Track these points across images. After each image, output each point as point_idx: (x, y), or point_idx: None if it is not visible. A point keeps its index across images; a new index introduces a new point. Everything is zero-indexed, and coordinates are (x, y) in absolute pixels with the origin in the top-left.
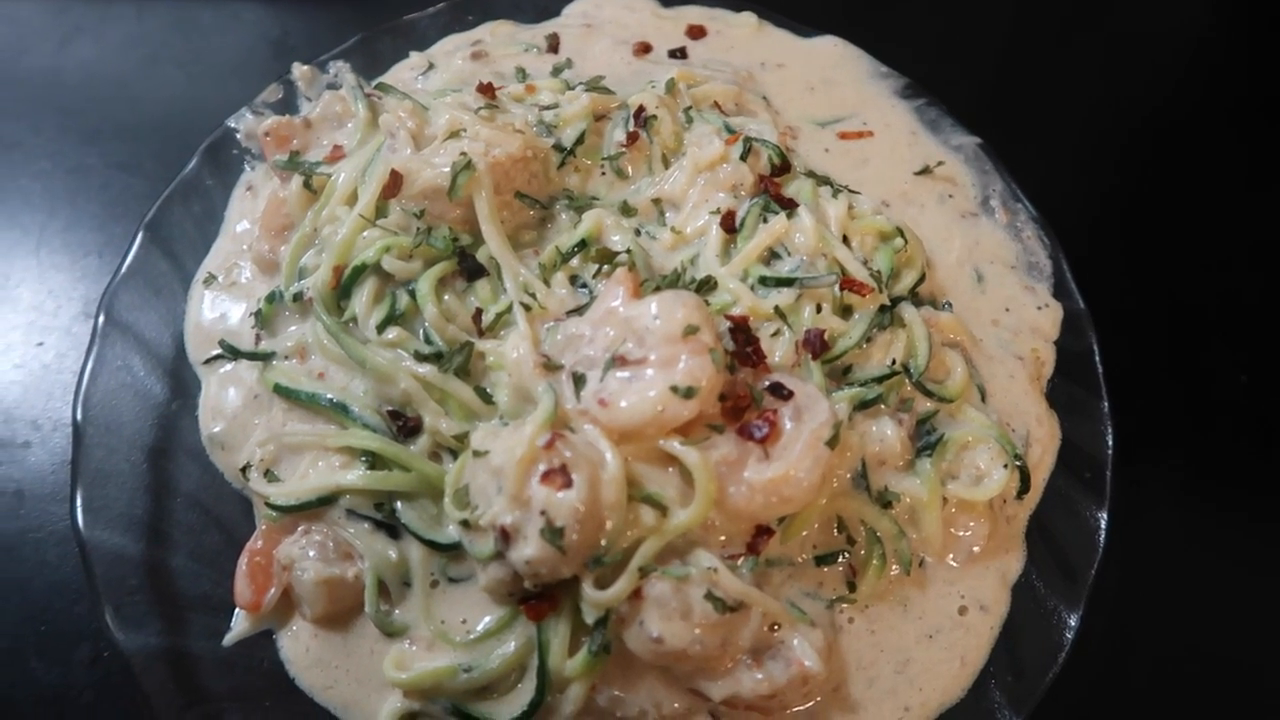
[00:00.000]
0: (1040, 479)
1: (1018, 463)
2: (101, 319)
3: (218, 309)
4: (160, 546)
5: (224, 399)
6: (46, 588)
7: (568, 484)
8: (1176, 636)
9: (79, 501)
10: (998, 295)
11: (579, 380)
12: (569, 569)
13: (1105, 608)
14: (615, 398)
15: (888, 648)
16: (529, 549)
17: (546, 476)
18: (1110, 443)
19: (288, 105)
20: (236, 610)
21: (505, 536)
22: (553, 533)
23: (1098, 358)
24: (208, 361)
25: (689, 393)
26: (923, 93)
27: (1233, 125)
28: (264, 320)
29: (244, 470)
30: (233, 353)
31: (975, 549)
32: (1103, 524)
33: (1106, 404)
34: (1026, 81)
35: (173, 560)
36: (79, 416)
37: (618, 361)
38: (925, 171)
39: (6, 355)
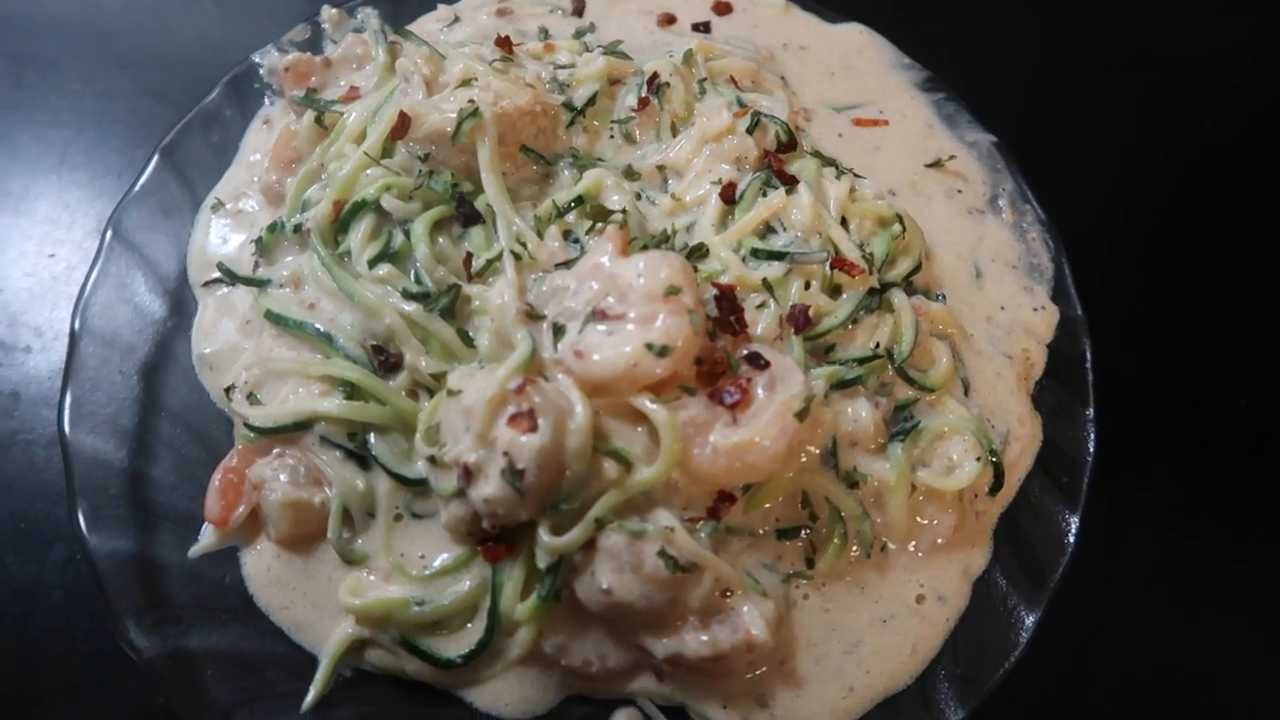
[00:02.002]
0: (1016, 478)
1: (992, 458)
2: (109, 234)
3: (222, 235)
4: (142, 457)
5: (218, 322)
6: (31, 488)
7: (533, 428)
8: (1135, 649)
9: (67, 405)
10: (995, 293)
11: (559, 331)
12: (526, 512)
13: (1067, 613)
14: (591, 350)
15: (840, 627)
16: (489, 488)
17: (514, 419)
18: (1091, 450)
19: (313, 46)
20: (205, 524)
21: (467, 474)
22: (513, 474)
23: (1089, 364)
24: (207, 284)
25: (663, 351)
26: (943, 87)
27: (1273, 148)
28: (264, 248)
29: (228, 391)
30: (230, 277)
31: (939, 540)
32: (1073, 529)
33: (1092, 411)
34: (1053, 85)
35: (152, 471)
36: (76, 325)
37: (598, 315)
38: (936, 164)
39: (19, 263)
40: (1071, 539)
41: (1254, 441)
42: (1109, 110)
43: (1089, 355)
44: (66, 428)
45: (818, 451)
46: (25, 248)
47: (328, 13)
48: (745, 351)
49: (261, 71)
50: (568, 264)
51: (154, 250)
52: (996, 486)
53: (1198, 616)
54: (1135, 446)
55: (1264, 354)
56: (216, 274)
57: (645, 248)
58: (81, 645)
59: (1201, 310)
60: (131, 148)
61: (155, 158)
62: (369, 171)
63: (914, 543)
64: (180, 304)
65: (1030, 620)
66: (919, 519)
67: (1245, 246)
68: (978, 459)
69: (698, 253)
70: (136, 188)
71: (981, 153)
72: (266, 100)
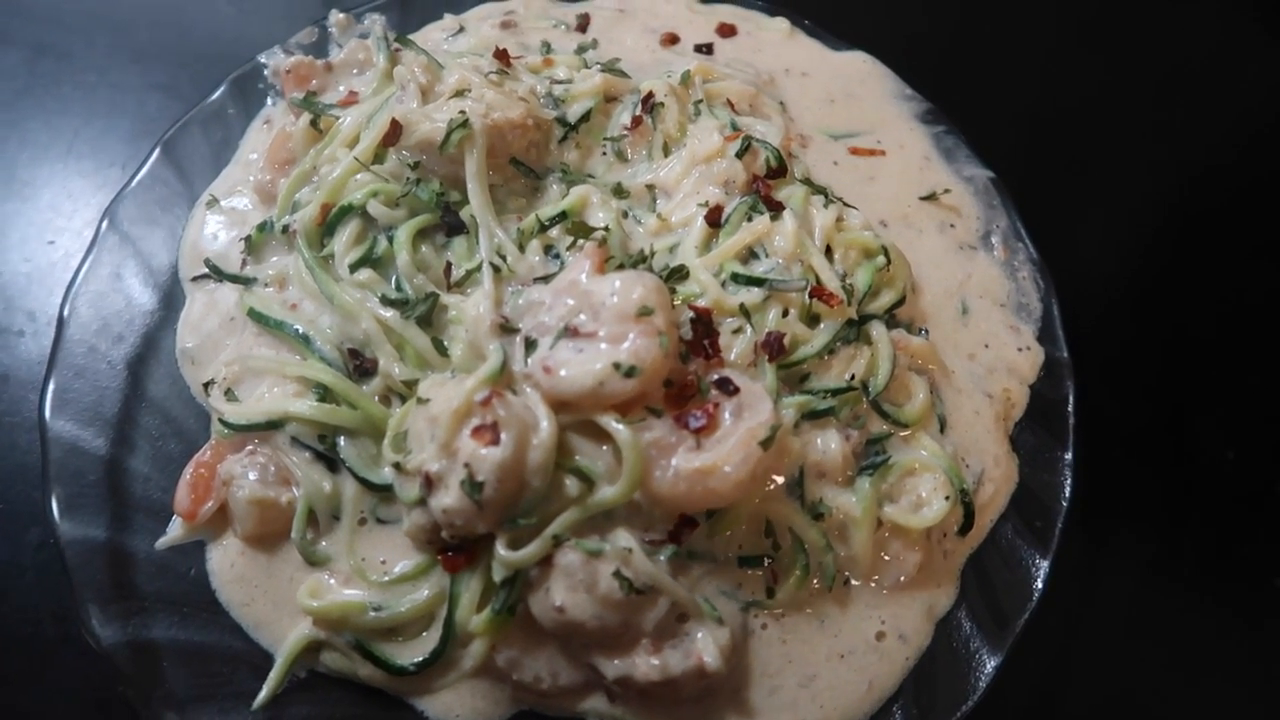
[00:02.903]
0: (987, 519)
1: (963, 497)
2: (104, 224)
3: (214, 231)
4: (121, 446)
5: (203, 317)
6: (11, 470)
7: (495, 441)
8: (1100, 699)
9: (50, 391)
10: (979, 330)
11: (530, 345)
12: (484, 524)
13: (1031, 659)
14: (559, 366)
15: (796, 659)
16: (448, 498)
17: (477, 431)
18: (1067, 495)
19: (320, 49)
20: (174, 517)
21: (429, 483)
22: (473, 486)
23: (1071, 407)
24: (195, 279)
25: (630, 372)
26: (944, 120)
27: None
28: (252, 247)
29: (206, 386)
30: (217, 273)
31: (904, 577)
32: (1043, 574)
33: (1070, 455)
34: (1058, 125)
35: (130, 461)
36: (65, 312)
37: (570, 332)
38: (931, 197)
39: (20, 248)
40: (1040, 584)
41: (1239, 494)
42: (1114, 152)
43: (1071, 398)
44: (47, 413)
45: (783, 481)
46: (27, 233)
47: (335, 17)
48: (716, 376)
49: (266, 72)
50: (546, 279)
51: (148, 243)
52: (966, 526)
53: (1170, 668)
54: (1115, 494)
55: (1254, 408)
56: (205, 270)
57: (622, 267)
58: (49, 629)
59: (1193, 360)
60: (137, 140)
61: (155, 152)
62: (358, 176)
63: (877, 578)
64: (170, 298)
65: (992, 664)
66: (884, 555)
67: (1243, 298)
68: (947, 497)
69: (678, 274)
70: (135, 180)
71: (978, 188)
72: (269, 101)
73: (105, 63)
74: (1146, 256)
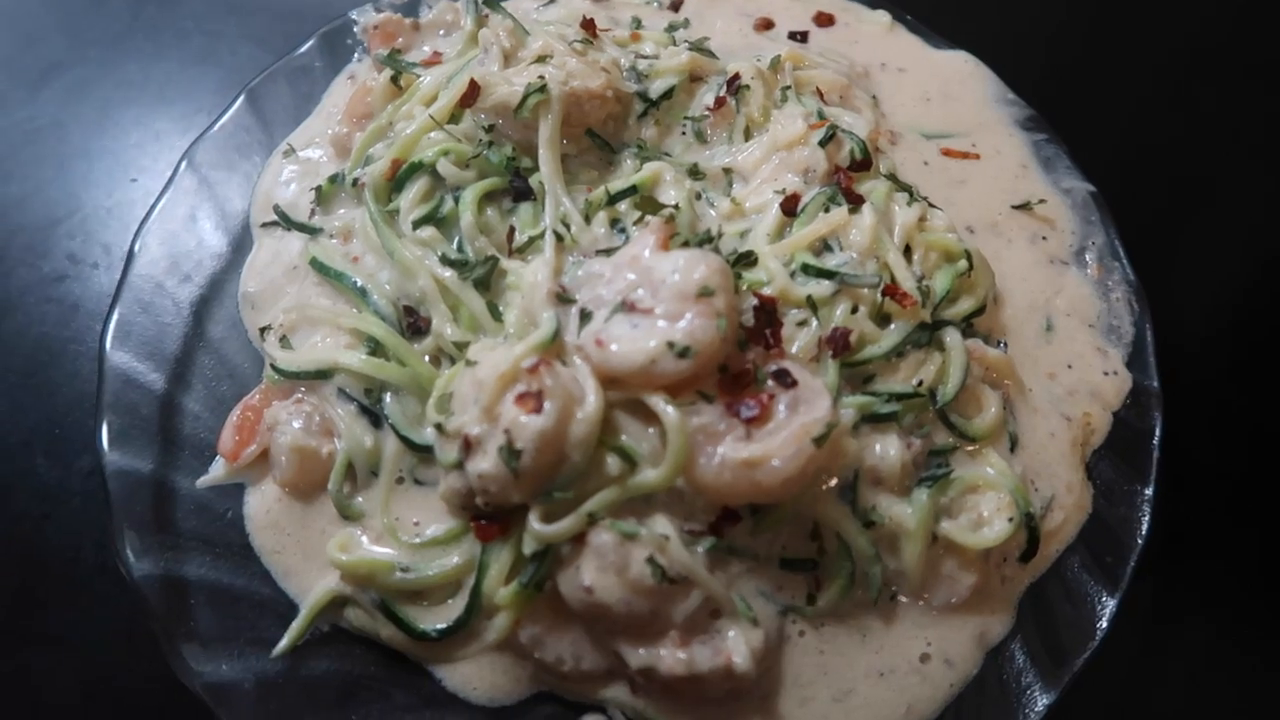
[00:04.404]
0: (1052, 548)
1: (1028, 521)
2: (183, 165)
3: (287, 180)
4: (176, 384)
5: (268, 263)
6: (72, 396)
7: (538, 409)
8: None
9: (113, 322)
10: (1064, 349)
11: (585, 317)
12: (518, 494)
13: (1087, 703)
14: (611, 340)
15: (832, 672)
16: (485, 463)
17: (521, 398)
18: (1144, 533)
19: (411, 9)
20: (217, 457)
21: (467, 446)
22: (510, 453)
23: (1156, 441)
24: (264, 225)
25: (684, 352)
26: (1046, 128)
27: None
28: (322, 198)
29: (263, 331)
30: (285, 220)
31: (956, 599)
32: (1109, 612)
33: (1151, 491)
34: (1170, 143)
35: (184, 399)
36: (136, 247)
37: (626, 306)
38: (1024, 207)
39: (104, 184)
40: (1105, 623)
41: None
42: (1223, 180)
43: (1158, 432)
44: (108, 344)
45: (836, 483)
46: (112, 170)
47: None
48: (774, 367)
49: (355, 28)
50: (608, 252)
51: (225, 187)
52: (1029, 553)
53: None
54: (1196, 539)
55: None
56: (274, 217)
57: (687, 245)
58: (89, 555)
59: None
60: (226, 88)
61: (239, 99)
62: (432, 135)
63: (927, 597)
64: (240, 242)
65: (1044, 702)
66: (936, 572)
67: None
68: (1010, 519)
69: (745, 260)
70: (217, 125)
71: (1076, 201)
72: (356, 57)
73: (204, 11)
74: (1253, 292)
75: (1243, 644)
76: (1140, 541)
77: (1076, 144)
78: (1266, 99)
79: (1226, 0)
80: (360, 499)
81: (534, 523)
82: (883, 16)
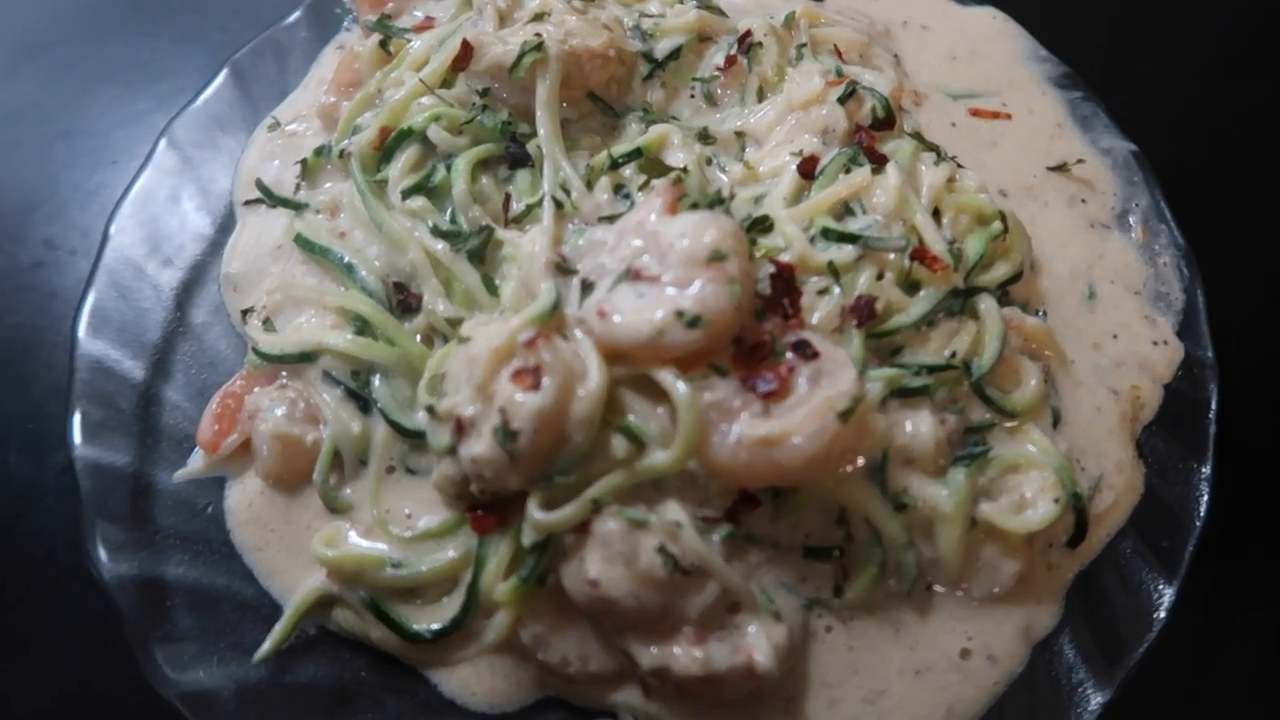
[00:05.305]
0: (1103, 532)
1: (1075, 503)
2: (162, 143)
3: (273, 155)
4: (156, 373)
5: (252, 243)
6: (48, 389)
7: (536, 386)
8: None
9: (86, 309)
10: (1108, 318)
11: (588, 288)
12: (516, 479)
13: (1145, 702)
14: (615, 311)
15: (864, 670)
16: (478, 446)
17: (517, 375)
18: (1202, 513)
19: None
20: (196, 448)
21: (460, 428)
22: (506, 434)
23: (1213, 415)
24: (248, 203)
25: (694, 322)
26: (1082, 85)
27: None
28: (308, 171)
29: (245, 313)
30: (268, 195)
31: (998, 589)
32: (1167, 602)
33: (1209, 469)
34: (1215, 96)
35: (164, 389)
36: (110, 229)
37: (631, 275)
38: (1061, 168)
39: (84, 166)
40: (1163, 613)
41: None
42: (1277, 137)
43: (1214, 405)
44: (81, 332)
45: (864, 464)
46: (93, 151)
47: None
48: (794, 338)
49: None
50: (612, 219)
51: (210, 167)
52: (1077, 537)
53: None
54: (1260, 520)
55: None
56: (259, 194)
57: (696, 207)
58: (63, 556)
59: None
60: (213, 65)
61: (223, 73)
62: (422, 100)
63: (966, 587)
64: (227, 223)
65: (1097, 701)
66: (975, 560)
67: None
68: (1056, 500)
69: (760, 225)
70: (198, 101)
71: (1117, 162)
72: (345, 25)
73: None
74: None
75: None
76: (1199, 523)
77: (1115, 101)
78: None
79: None
80: (348, 490)
81: (533, 511)
82: None
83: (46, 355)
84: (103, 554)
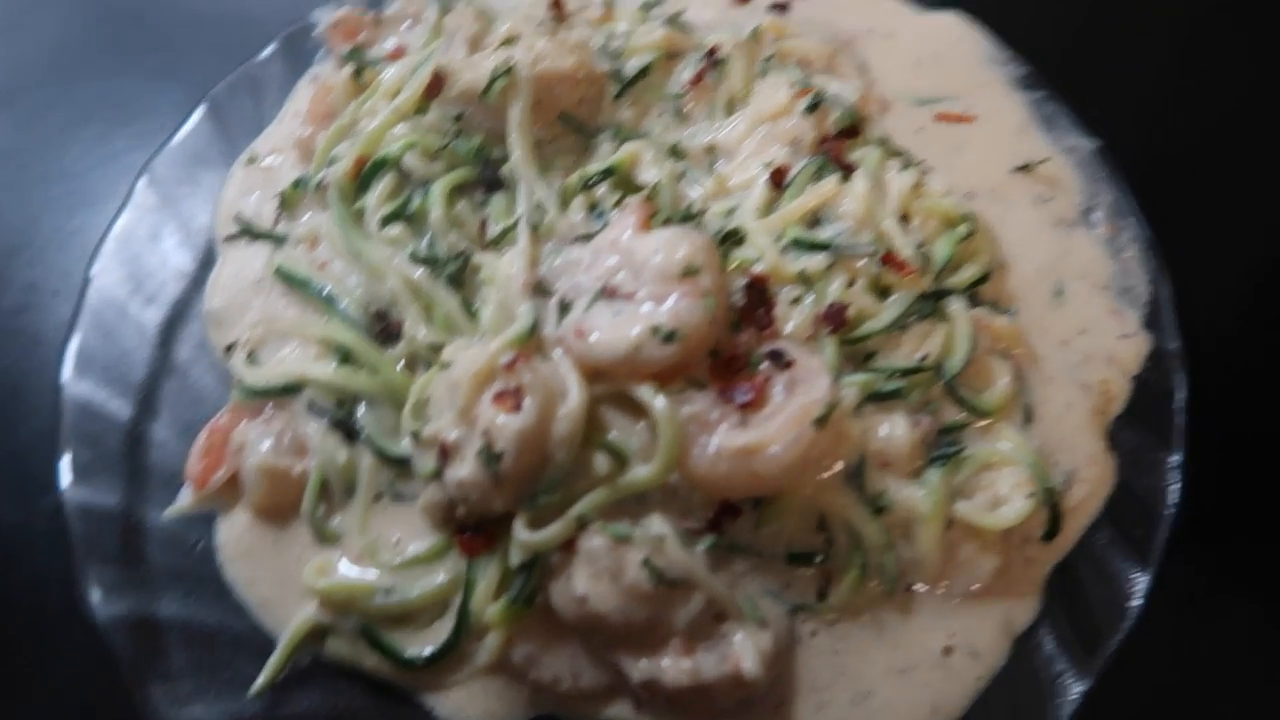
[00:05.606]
0: (1077, 524)
1: (1048, 498)
2: (141, 182)
3: (252, 189)
4: (143, 411)
5: (234, 277)
6: (35, 432)
7: (517, 408)
8: None
9: (72, 352)
10: (1076, 314)
11: (565, 307)
12: (501, 501)
13: (1124, 688)
14: (592, 329)
15: (850, 673)
16: (463, 469)
17: (499, 397)
18: (1173, 502)
19: (376, 4)
20: (184, 485)
21: (444, 453)
22: (490, 456)
23: (1180, 405)
24: (228, 238)
25: (670, 336)
26: (1044, 85)
27: None
28: (287, 204)
29: (229, 348)
30: (247, 230)
31: (977, 585)
32: (1141, 590)
33: (1179, 458)
34: (1178, 92)
35: (151, 427)
36: (92, 271)
37: (607, 293)
38: (1025, 168)
39: (64, 208)
40: (1138, 601)
41: None
42: (1240, 126)
43: (1182, 394)
44: (67, 374)
45: (842, 468)
46: (72, 192)
47: None
48: (769, 348)
49: (317, 28)
50: (586, 237)
51: (189, 203)
52: (1052, 531)
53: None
54: (1229, 507)
55: None
56: (238, 228)
57: (669, 223)
58: (55, 599)
59: None
60: (188, 102)
61: (199, 110)
62: (397, 129)
63: (946, 585)
64: (208, 259)
65: (1077, 691)
66: (954, 558)
67: None
68: (1030, 495)
69: (733, 237)
70: (175, 139)
71: (1081, 159)
72: (318, 57)
73: (163, 27)
74: (1274, 247)
75: None
76: (1170, 511)
77: (1077, 100)
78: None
79: None
80: (337, 519)
81: (520, 531)
82: None
83: (33, 399)
84: (96, 595)
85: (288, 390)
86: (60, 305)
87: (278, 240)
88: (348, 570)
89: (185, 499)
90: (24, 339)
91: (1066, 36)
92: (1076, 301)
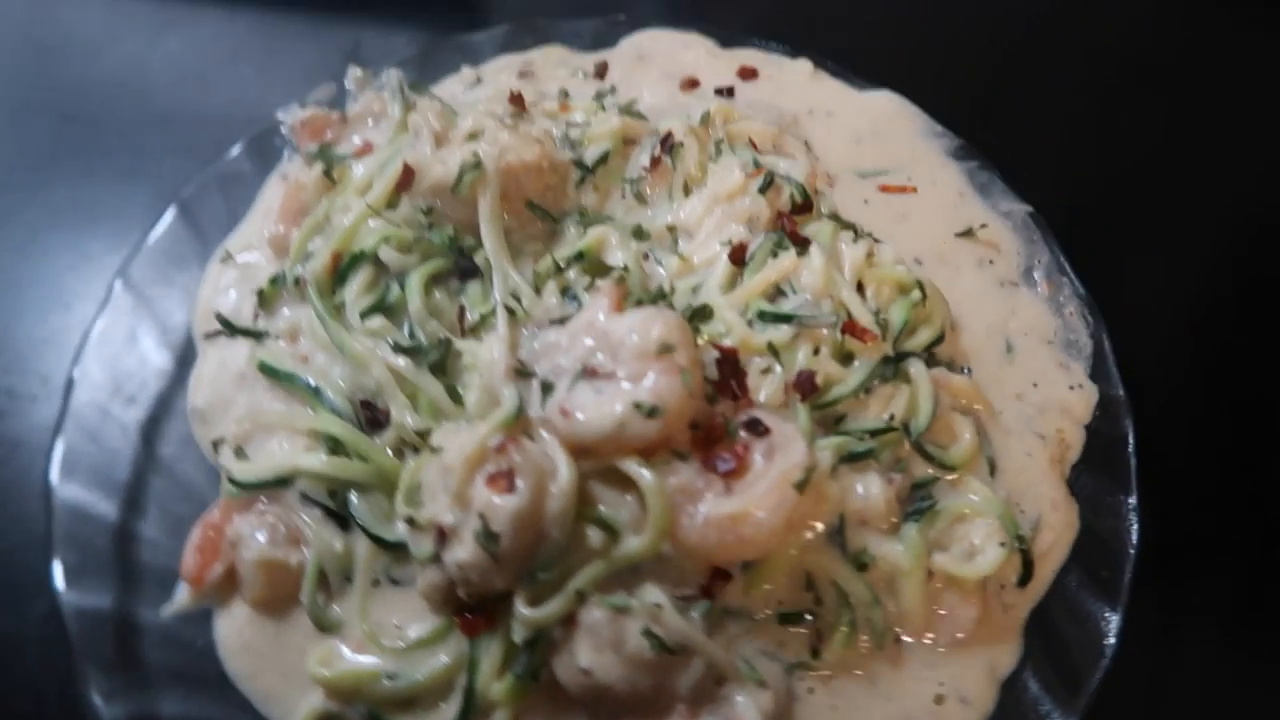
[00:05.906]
0: (1048, 569)
1: (1019, 545)
2: (118, 284)
3: (229, 287)
4: (131, 511)
5: (216, 374)
6: (20, 539)
7: (510, 489)
8: None
9: (58, 455)
10: (1027, 368)
11: (547, 389)
12: (501, 580)
13: None
14: (577, 409)
15: None
16: (462, 551)
17: (492, 479)
18: (1134, 541)
19: (338, 105)
20: (180, 582)
21: (442, 536)
22: (488, 537)
23: (1131, 449)
24: (208, 336)
25: (653, 412)
26: (977, 155)
27: None
28: (265, 300)
29: (216, 444)
30: (228, 327)
31: (960, 634)
32: (1114, 628)
33: (1134, 499)
34: (1100, 158)
35: (140, 526)
36: (74, 374)
37: (588, 373)
38: (967, 234)
39: (37, 313)
40: (1112, 639)
41: None
42: (1159, 185)
43: (1131, 439)
44: (54, 479)
45: (824, 529)
46: (45, 296)
47: (354, 73)
48: (745, 417)
49: (282, 128)
50: (562, 320)
51: (164, 303)
52: (1026, 577)
53: None
54: (1186, 543)
55: None
56: (219, 326)
57: (640, 303)
58: (52, 705)
59: (1259, 396)
60: (157, 202)
61: (171, 211)
62: (370, 223)
63: (932, 635)
64: (186, 357)
65: None
66: (937, 609)
67: None
68: (1001, 544)
69: (701, 314)
70: (150, 240)
71: (1016, 223)
72: (286, 156)
73: (128, 128)
74: (1201, 289)
75: (1252, 647)
76: (1132, 551)
77: (1007, 168)
78: (1187, 98)
79: (1132, 13)
80: (336, 608)
81: (521, 608)
82: (804, 65)
83: (16, 506)
84: (98, 699)
85: (280, 483)
86: (39, 409)
87: (258, 336)
88: (351, 658)
89: (182, 596)
90: (4, 446)
91: (992, 108)
92: (1026, 356)
